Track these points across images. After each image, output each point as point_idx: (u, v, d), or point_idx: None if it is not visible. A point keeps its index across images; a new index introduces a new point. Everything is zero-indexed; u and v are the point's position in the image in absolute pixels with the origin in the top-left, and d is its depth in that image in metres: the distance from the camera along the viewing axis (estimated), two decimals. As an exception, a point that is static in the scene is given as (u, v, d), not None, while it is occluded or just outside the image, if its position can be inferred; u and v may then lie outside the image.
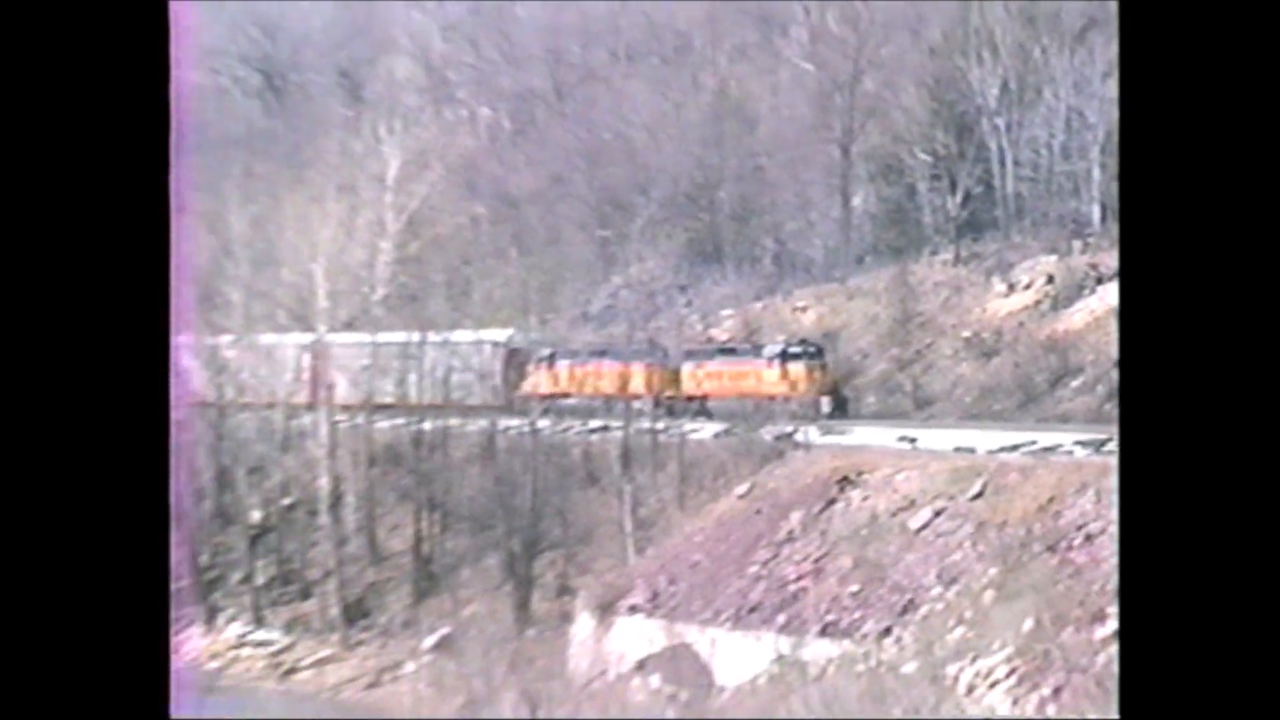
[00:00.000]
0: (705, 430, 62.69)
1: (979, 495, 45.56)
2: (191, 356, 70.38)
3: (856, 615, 43.70)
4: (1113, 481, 39.04)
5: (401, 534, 65.84)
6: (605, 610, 50.50)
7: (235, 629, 65.13)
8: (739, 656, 44.96)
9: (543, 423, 64.29)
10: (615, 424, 63.19)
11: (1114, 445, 45.10)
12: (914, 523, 45.97)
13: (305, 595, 65.96)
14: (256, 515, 68.69)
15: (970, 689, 37.30)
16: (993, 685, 37.05)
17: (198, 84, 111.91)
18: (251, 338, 71.26)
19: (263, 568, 66.96)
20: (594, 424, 65.37)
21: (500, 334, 73.30)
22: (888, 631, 42.34)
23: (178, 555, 67.48)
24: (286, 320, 70.73)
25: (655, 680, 46.43)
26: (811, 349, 66.50)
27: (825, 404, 63.64)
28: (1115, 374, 55.32)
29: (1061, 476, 44.40)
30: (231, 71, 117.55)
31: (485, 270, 79.73)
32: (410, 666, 56.15)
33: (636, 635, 48.45)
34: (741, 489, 53.67)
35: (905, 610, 42.76)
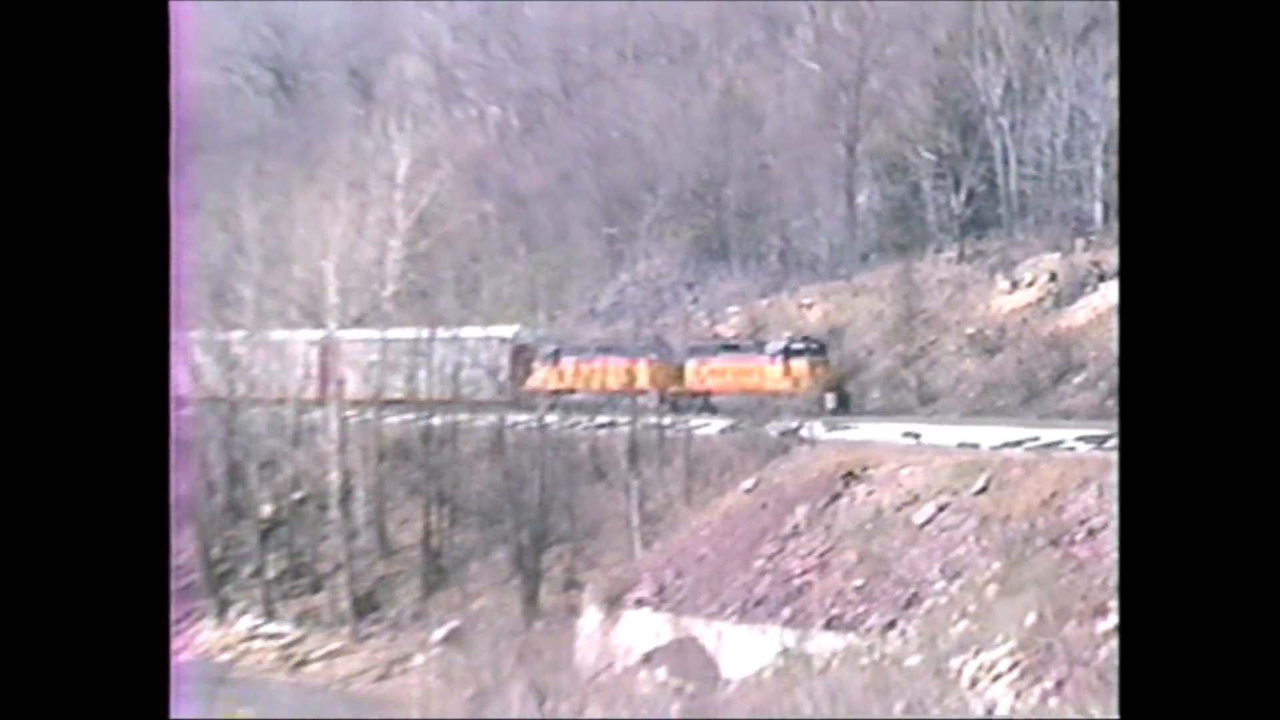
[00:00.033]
0: (711, 426, 62.65)
1: (982, 490, 45.50)
2: (203, 352, 70.48)
3: (861, 609, 43.65)
4: (1114, 476, 39.02)
5: (411, 528, 65.85)
6: (612, 604, 50.48)
7: (246, 622, 65.15)
8: (744, 649, 44.92)
9: (550, 418, 64.24)
10: (622, 419, 63.16)
11: (1116, 441, 45.06)
12: (918, 517, 45.91)
13: (316, 589, 65.97)
14: (267, 509, 68.70)
15: (973, 682, 37.24)
16: (995, 678, 36.99)
17: (210, 83, 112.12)
18: (263, 334, 71.26)
19: (273, 561, 66.98)
20: (601, 419, 65.31)
21: (506, 330, 73.24)
22: (892, 625, 42.29)
23: (189, 549, 67.68)
24: (298, 316, 70.73)
25: (662, 673, 46.41)
26: (814, 346, 66.51)
27: (830, 400, 63.63)
28: (1117, 370, 55.23)
29: (1064, 472, 44.33)
30: (244, 70, 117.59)
31: (494, 267, 79.67)
32: (419, 659, 56.08)
33: (643, 628, 48.42)
34: (747, 484, 53.60)
35: (909, 604, 42.71)
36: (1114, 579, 35.98)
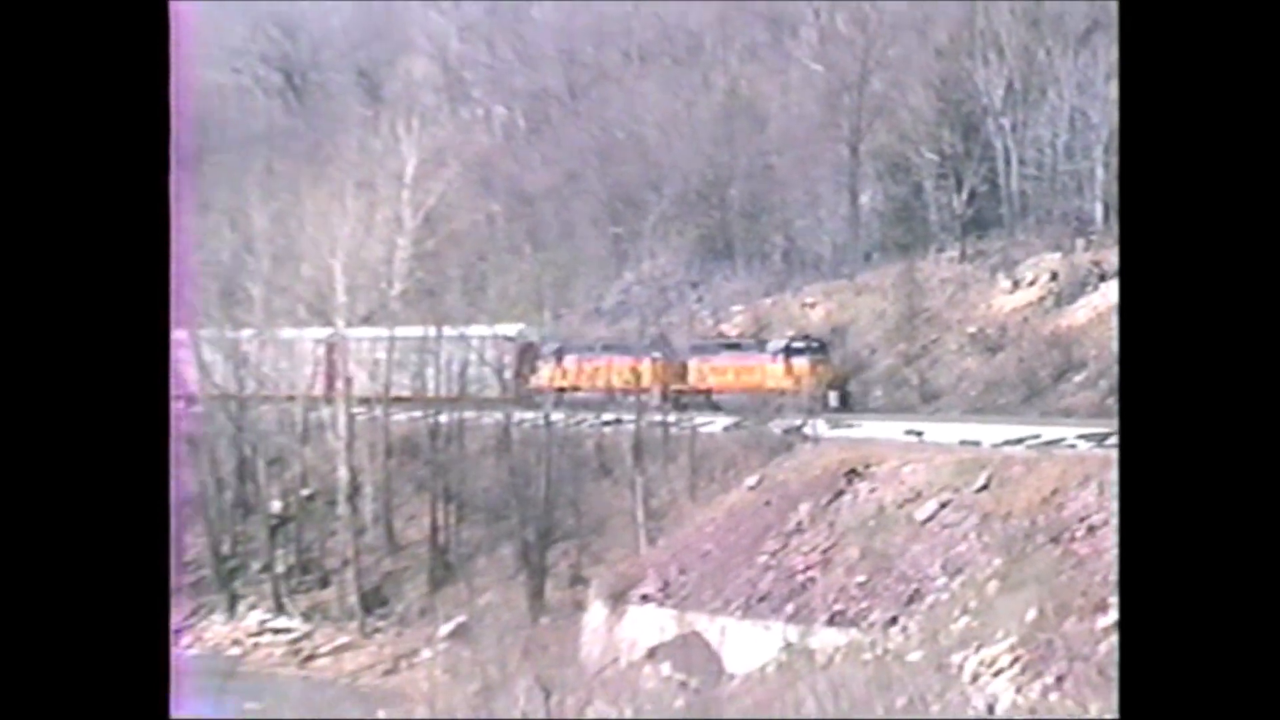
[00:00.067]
0: (716, 423, 62.63)
1: (984, 487, 45.44)
2: (213, 350, 70.55)
3: (863, 605, 43.62)
4: (1114, 474, 38.96)
5: (418, 524, 65.90)
6: (617, 599, 50.46)
7: (256, 616, 65.22)
8: (748, 645, 44.88)
9: (556, 415, 64.23)
10: (628, 417, 63.14)
11: (1116, 439, 45.00)
12: (920, 514, 45.86)
13: (324, 584, 66.06)
14: (276, 505, 68.79)
15: (975, 677, 37.17)
16: (997, 673, 36.91)
17: (220, 84, 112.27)
18: (272, 332, 71.29)
19: (282, 557, 67.05)
20: (606, 417, 65.30)
21: (510, 329, 73.25)
22: (894, 621, 42.25)
23: (200, 545, 67.78)
24: (306, 315, 70.79)
25: (666, 668, 46.35)
26: (814, 344, 66.58)
27: (833, 398, 63.65)
28: (1117, 369, 55.18)
29: (1065, 469, 44.27)
30: (253, 71, 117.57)
31: (500, 266, 79.69)
32: (427, 653, 56.13)
33: (648, 624, 48.38)
34: (751, 481, 53.56)
35: (911, 600, 42.67)
36: (1114, 575, 35.93)
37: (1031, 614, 38.10)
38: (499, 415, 66.54)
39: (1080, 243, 69.51)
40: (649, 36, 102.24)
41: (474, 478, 65.52)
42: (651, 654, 47.35)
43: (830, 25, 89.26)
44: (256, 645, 63.62)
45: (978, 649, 38.02)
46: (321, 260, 68.29)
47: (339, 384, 68.38)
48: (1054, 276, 67.75)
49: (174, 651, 52.97)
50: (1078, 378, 60.64)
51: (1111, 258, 63.90)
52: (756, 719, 39.21)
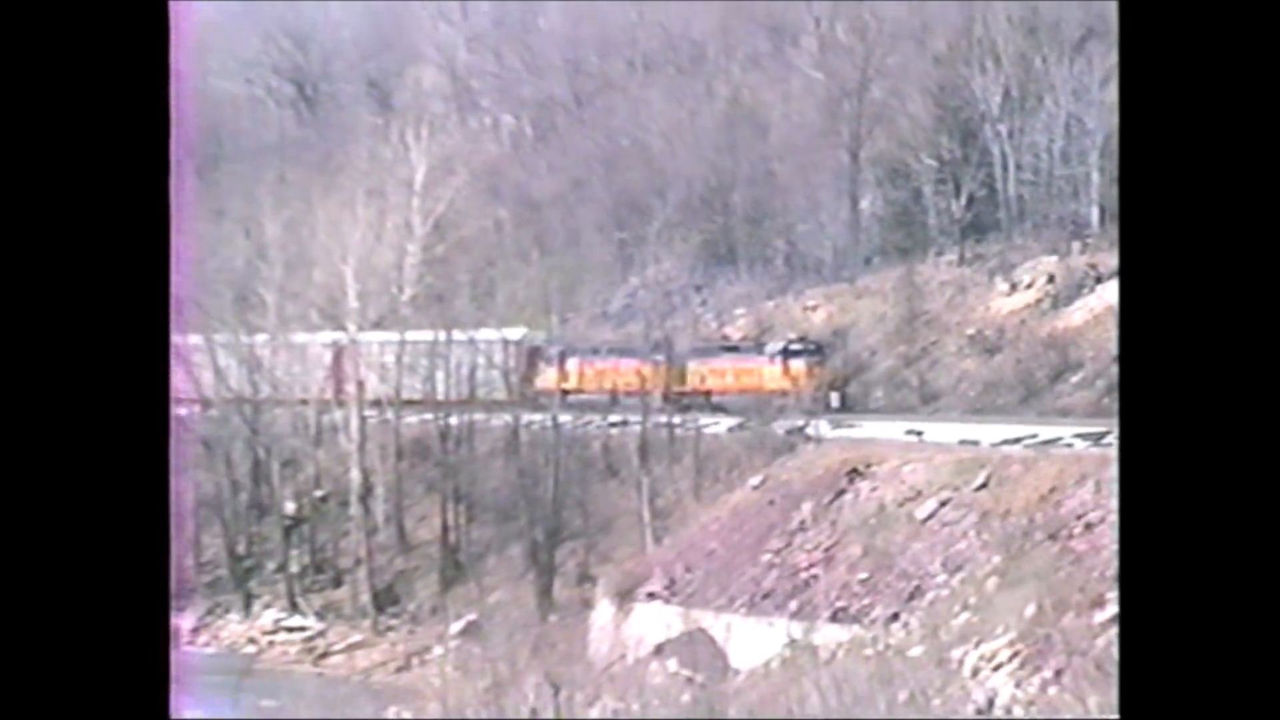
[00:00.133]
0: (720, 424, 62.61)
1: (983, 486, 45.43)
2: (227, 355, 70.57)
3: (865, 601, 43.61)
4: (1110, 472, 38.92)
5: (429, 524, 65.90)
6: (624, 597, 50.48)
7: (271, 615, 65.25)
8: (753, 641, 44.85)
9: (564, 417, 64.20)
10: (634, 418, 63.11)
11: (1112, 438, 44.95)
12: (920, 513, 45.84)
13: (337, 583, 66.11)
14: (290, 506, 68.79)
15: (974, 672, 37.09)
16: (996, 668, 36.86)
17: (233, 94, 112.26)
18: (285, 337, 71.26)
19: (296, 557, 67.12)
20: (613, 418, 65.26)
21: (514, 332, 73.17)
22: (895, 617, 42.24)
23: (216, 545, 67.83)
24: (318, 320, 70.76)
25: (672, 664, 46.29)
26: (811, 346, 66.67)
27: (835, 399, 63.68)
28: (1114, 369, 55.15)
29: (1062, 468, 44.24)
30: (265, 82, 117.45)
31: (508, 271, 79.72)
32: (438, 651, 56.08)
33: (655, 621, 48.36)
34: (755, 480, 53.54)
35: (912, 596, 42.66)
36: (1110, 571, 35.84)
37: (1030, 610, 38.03)
38: (508, 417, 66.55)
39: (1076, 246, 69.39)
40: (653, 46, 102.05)
41: (483, 479, 65.53)
42: (658, 650, 47.32)
43: (830, 34, 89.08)
44: (272, 643, 63.67)
45: (977, 644, 37.96)
46: (333, 266, 68.29)
47: (351, 387, 68.30)
48: (1051, 279, 67.64)
49: (191, 649, 52.91)
50: (1074, 378, 60.56)
51: (1107, 260, 63.80)
52: (761, 715, 39.09)
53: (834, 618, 43.62)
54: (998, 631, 38.07)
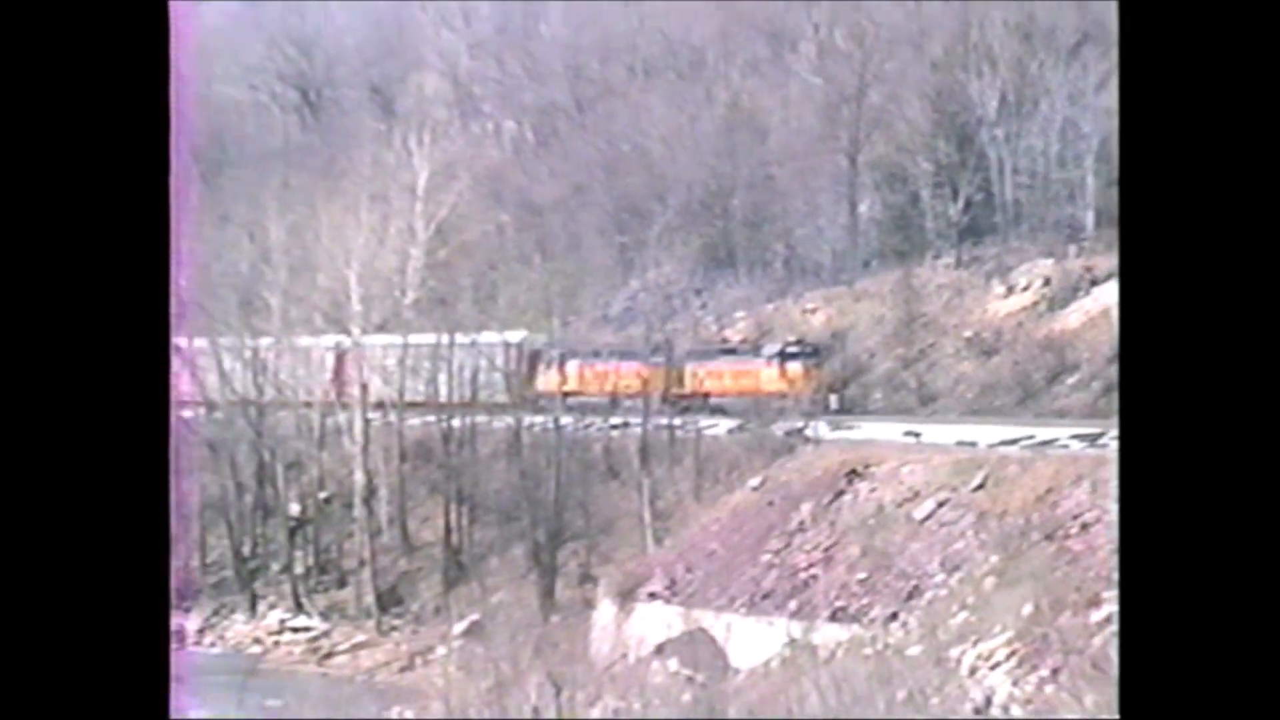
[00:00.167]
0: (720, 426, 62.56)
1: (980, 487, 45.39)
2: (232, 358, 70.55)
3: (864, 601, 43.57)
4: (1107, 473, 38.91)
5: (432, 525, 65.85)
6: (626, 597, 50.45)
7: (276, 615, 65.22)
8: (753, 641, 44.81)
9: (566, 419, 64.15)
10: (634, 420, 63.07)
11: (1108, 439, 44.94)
12: (918, 513, 45.80)
13: (341, 584, 66.10)
14: (295, 508, 68.76)
15: (972, 670, 37.04)
16: (994, 667, 36.82)
17: (238, 100, 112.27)
18: (289, 340, 71.21)
19: (301, 558, 67.09)
20: (614, 420, 65.20)
21: (516, 335, 73.14)
22: (894, 616, 42.19)
23: (221, 546, 67.79)
24: (322, 323, 70.73)
25: (673, 663, 46.26)
26: (808, 349, 66.58)
27: (833, 400, 63.64)
28: (1110, 371, 55.16)
29: (1059, 469, 44.20)
30: (270, 88, 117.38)
31: (510, 275, 79.68)
32: (441, 651, 56.05)
33: (655, 621, 48.34)
34: (754, 482, 53.50)
35: (910, 596, 42.62)
36: (1106, 571, 35.80)
37: (1027, 609, 37.98)
38: (509, 419, 66.50)
39: (1072, 249, 69.33)
40: (653, 52, 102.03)
41: (486, 480, 65.49)
42: (659, 650, 47.29)
43: (829, 40, 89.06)
44: (277, 643, 63.65)
45: (975, 643, 37.91)
46: (337, 270, 68.28)
47: (354, 390, 68.25)
48: (1047, 282, 67.59)
49: (197, 650, 52.85)
50: (1071, 380, 60.50)
51: (1103, 263, 63.75)
52: (761, 714, 39.05)
53: (833, 617, 43.58)
54: (995, 631, 38.02)
